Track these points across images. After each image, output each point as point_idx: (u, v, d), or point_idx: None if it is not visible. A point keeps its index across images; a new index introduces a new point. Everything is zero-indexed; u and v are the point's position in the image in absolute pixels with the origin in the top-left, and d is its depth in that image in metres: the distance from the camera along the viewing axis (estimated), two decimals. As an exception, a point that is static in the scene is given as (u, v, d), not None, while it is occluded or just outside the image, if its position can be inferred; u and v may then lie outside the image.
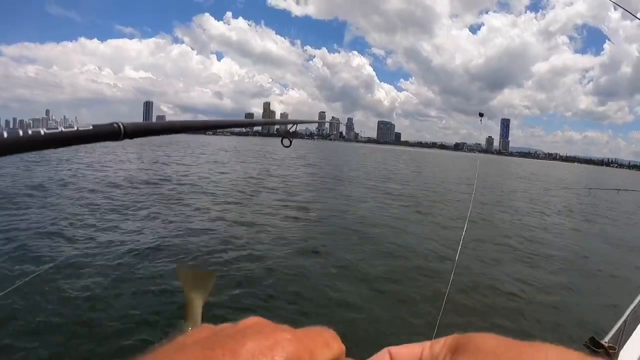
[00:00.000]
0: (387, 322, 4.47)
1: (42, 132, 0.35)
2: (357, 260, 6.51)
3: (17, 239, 6.47)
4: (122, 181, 14.19)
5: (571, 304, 5.52)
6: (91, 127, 0.38)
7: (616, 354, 2.22)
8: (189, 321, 0.51)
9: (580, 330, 4.56)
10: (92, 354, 3.47)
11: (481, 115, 5.75)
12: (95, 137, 0.39)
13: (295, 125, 1.28)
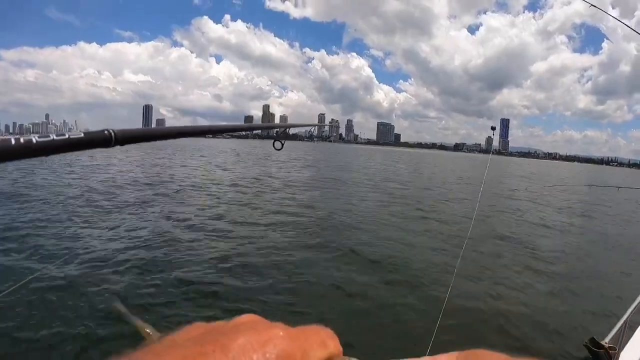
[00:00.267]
0: (387, 322, 4.47)
1: (34, 140, 0.36)
2: (358, 258, 6.52)
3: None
4: (126, 183, 14.21)
5: (571, 305, 5.51)
6: (82, 135, 0.39)
7: (617, 355, 2.23)
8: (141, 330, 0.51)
9: (581, 330, 4.55)
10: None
11: (493, 128, 5.80)
12: (86, 144, 0.39)
13: (288, 129, 1.28)
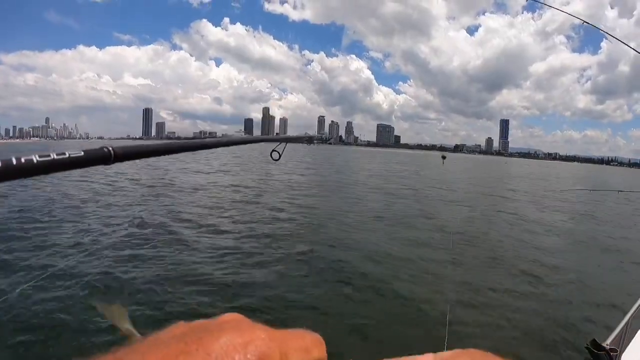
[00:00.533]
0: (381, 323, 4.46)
1: (35, 160, 0.36)
2: (355, 260, 6.51)
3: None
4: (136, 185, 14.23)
5: (572, 307, 5.50)
6: (82, 153, 0.39)
7: (618, 357, 2.22)
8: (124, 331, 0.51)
9: (582, 332, 4.54)
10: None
11: (444, 157, 6.07)
12: (86, 162, 0.40)
13: (285, 145, 1.28)
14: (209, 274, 5.70)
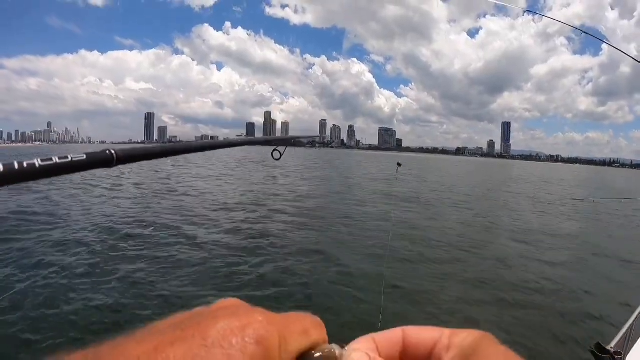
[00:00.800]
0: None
1: (37, 164, 0.37)
2: (357, 259, 6.50)
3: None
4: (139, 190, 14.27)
5: (577, 310, 5.46)
6: (84, 157, 0.40)
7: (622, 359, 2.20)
8: None
9: (587, 335, 4.50)
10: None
11: (399, 165, 6.07)
12: (88, 165, 0.40)
13: (285, 147, 1.28)
14: (211, 269, 5.81)
